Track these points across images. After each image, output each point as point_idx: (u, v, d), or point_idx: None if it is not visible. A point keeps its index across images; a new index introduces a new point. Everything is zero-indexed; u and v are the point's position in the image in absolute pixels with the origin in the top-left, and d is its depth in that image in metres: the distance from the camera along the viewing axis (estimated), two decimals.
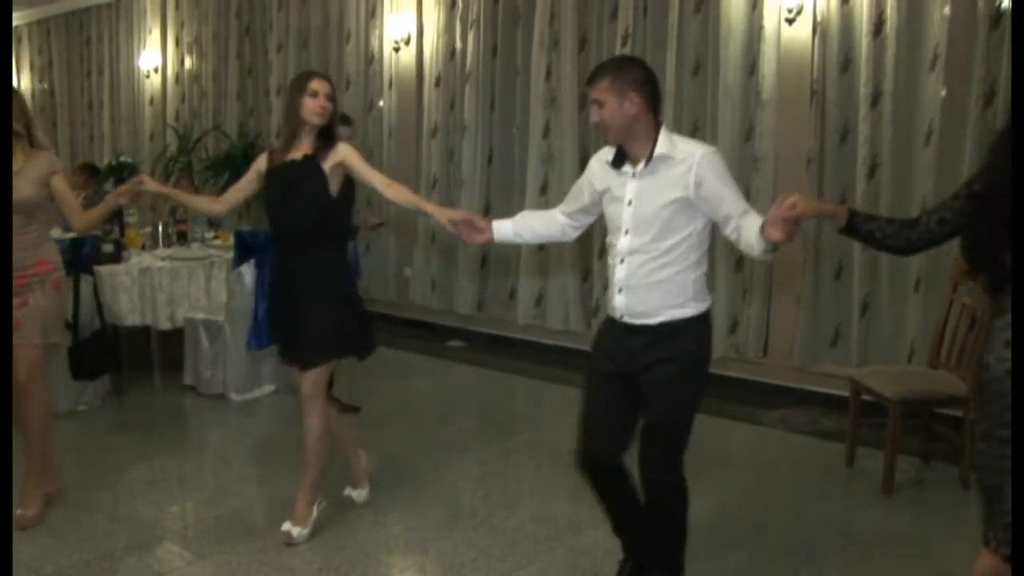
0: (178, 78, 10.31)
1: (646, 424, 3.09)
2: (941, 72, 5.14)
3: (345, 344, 3.84)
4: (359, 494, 4.24)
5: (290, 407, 5.92)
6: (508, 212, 3.56)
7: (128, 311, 5.75)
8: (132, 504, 4.26)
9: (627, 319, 3.05)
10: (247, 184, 3.90)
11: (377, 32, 8.03)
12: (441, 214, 3.52)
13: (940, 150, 5.17)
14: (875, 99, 5.31)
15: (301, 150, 3.71)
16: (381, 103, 8.08)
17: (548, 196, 6.78)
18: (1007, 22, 4.89)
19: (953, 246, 5.04)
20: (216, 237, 6.94)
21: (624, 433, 3.15)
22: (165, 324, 5.96)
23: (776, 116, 5.71)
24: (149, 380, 6.28)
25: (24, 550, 3.72)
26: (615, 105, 2.93)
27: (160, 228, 6.58)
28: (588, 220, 3.30)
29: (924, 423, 4.68)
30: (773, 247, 2.71)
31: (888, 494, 4.34)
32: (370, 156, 8.11)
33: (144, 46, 10.58)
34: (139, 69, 10.70)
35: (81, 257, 5.36)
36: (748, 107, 5.86)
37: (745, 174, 5.85)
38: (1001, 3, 4.93)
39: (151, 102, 10.65)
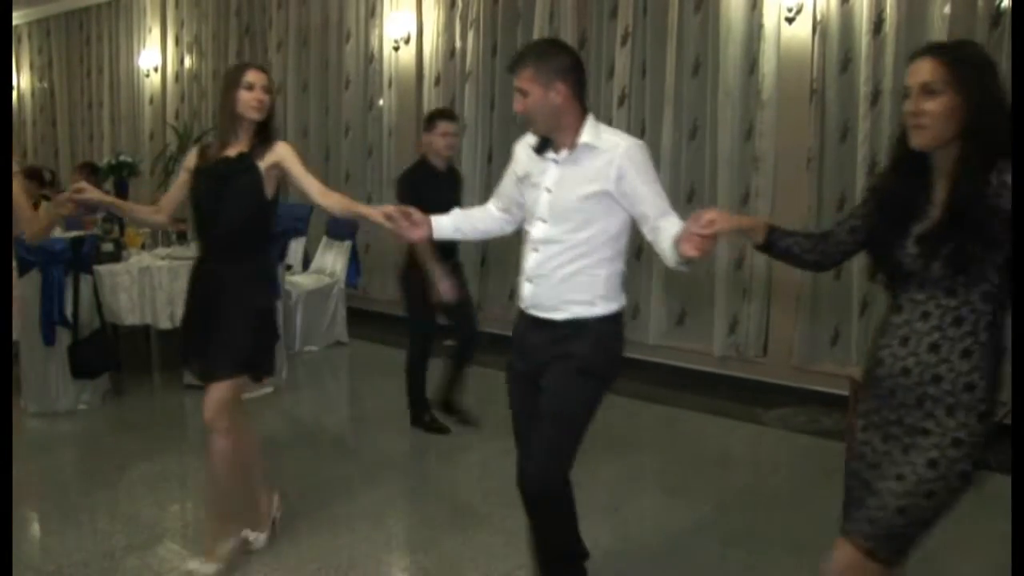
0: (178, 77, 10.32)
1: (539, 420, 2.90)
2: None
3: (257, 360, 3.54)
4: (258, 539, 3.71)
5: (290, 407, 5.93)
6: None
7: (128, 310, 5.75)
8: (132, 503, 4.26)
9: (533, 311, 2.93)
10: (182, 185, 3.58)
11: (377, 31, 8.04)
12: (375, 212, 3.27)
13: None
14: (875, 98, 5.32)
15: (237, 147, 3.44)
16: (381, 102, 8.09)
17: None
18: (1007, 21, 4.89)
19: None
20: None
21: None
22: (165, 323, 5.95)
23: (776, 115, 5.71)
24: (149, 379, 6.29)
25: (24, 549, 3.73)
26: (539, 95, 2.79)
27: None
28: (522, 212, 3.06)
29: None
30: (686, 261, 2.56)
31: None
32: (370, 155, 8.13)
33: (144, 45, 10.60)
34: (139, 68, 10.72)
35: (81, 256, 5.37)
36: (748, 106, 5.86)
37: (745, 173, 5.86)
38: (1001, 2, 4.93)
39: (151, 101, 10.66)
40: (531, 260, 2.91)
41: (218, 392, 3.40)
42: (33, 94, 12.81)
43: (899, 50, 5.26)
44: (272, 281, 3.72)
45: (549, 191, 2.85)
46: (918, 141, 2.18)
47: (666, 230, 2.69)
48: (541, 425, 2.88)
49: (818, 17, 5.49)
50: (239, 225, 3.43)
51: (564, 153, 2.85)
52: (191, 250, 6.38)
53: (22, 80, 12.89)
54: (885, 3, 5.27)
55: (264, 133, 3.46)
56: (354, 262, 7.41)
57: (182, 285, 5.94)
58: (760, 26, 5.73)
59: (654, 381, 6.15)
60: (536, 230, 2.90)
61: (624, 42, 6.36)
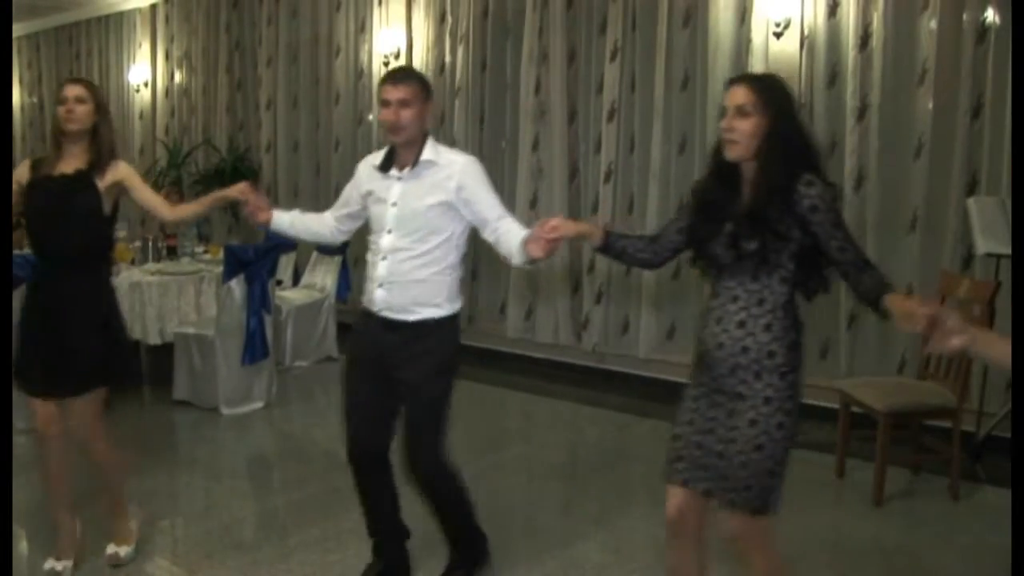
0: (168, 92, 10.32)
1: (408, 419, 3.25)
2: (930, 86, 5.19)
3: (112, 370, 3.57)
4: (125, 551, 3.72)
5: (280, 422, 5.91)
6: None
7: None
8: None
9: (385, 313, 3.20)
10: (16, 199, 3.51)
11: (367, 47, 8.06)
12: (230, 190, 3.56)
13: (930, 163, 5.21)
14: (862, 112, 5.35)
15: (73, 163, 3.47)
16: (371, 117, 8.10)
17: (537, 209, 6.79)
18: (992, 37, 4.94)
19: (947, 260, 5.08)
20: (206, 252, 6.94)
21: (388, 424, 3.31)
22: (155, 339, 5.94)
23: None
24: (139, 395, 6.27)
25: (13, 566, 3.70)
26: (419, 109, 3.14)
27: (150, 242, 6.57)
28: (355, 225, 3.48)
29: (913, 434, 4.69)
30: (531, 261, 3.00)
31: (878, 505, 4.35)
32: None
33: (134, 60, 10.60)
34: (129, 83, 10.71)
35: None
36: None
37: None
38: (986, 19, 4.98)
39: (141, 116, 10.66)
40: (381, 268, 3.20)
41: (81, 407, 3.48)
42: (23, 108, 12.78)
43: (886, 65, 5.30)
44: (112, 291, 3.66)
45: (394, 205, 3.17)
46: (730, 154, 2.56)
47: (509, 231, 3.10)
48: (414, 423, 3.25)
49: (805, 32, 5.53)
50: (79, 241, 3.46)
51: (407, 170, 3.18)
52: (182, 265, 6.39)
53: (12, 94, 12.87)
54: (872, 18, 5.31)
55: (97, 148, 3.52)
56: (345, 276, 7.41)
57: (172, 300, 5.99)
58: (748, 40, 5.77)
59: (644, 395, 6.16)
60: (384, 240, 3.19)
61: (613, 57, 6.39)
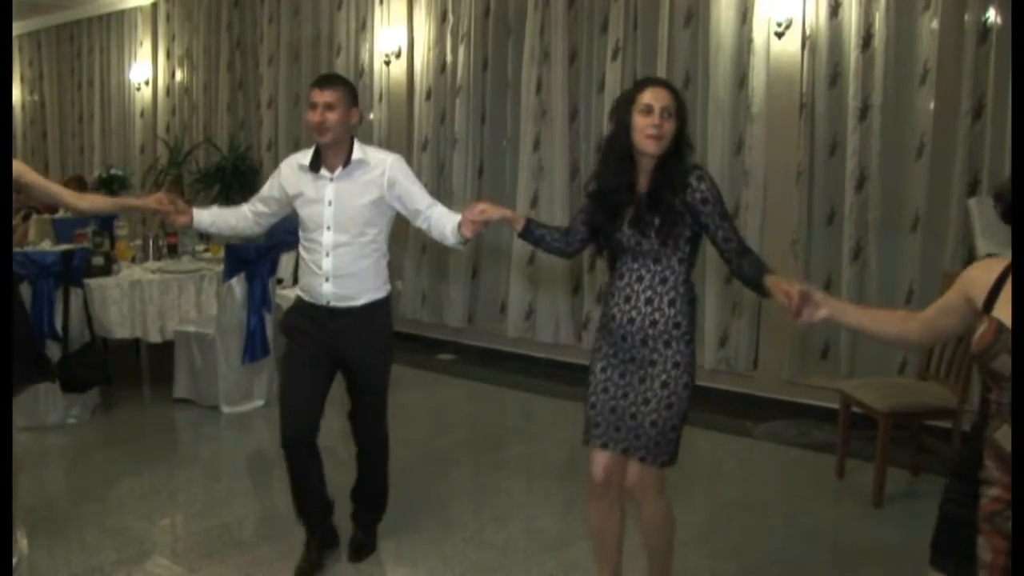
0: (169, 90, 10.32)
1: (360, 393, 3.62)
2: (932, 86, 5.18)
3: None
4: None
5: (279, 420, 5.90)
6: (498, 226, 3.61)
7: (118, 324, 5.73)
8: (121, 518, 4.24)
9: (333, 304, 3.46)
10: None
11: (368, 45, 8.06)
12: (144, 201, 3.79)
13: (931, 163, 5.20)
14: (864, 112, 5.35)
15: None
16: (372, 116, 8.09)
17: (538, 208, 6.80)
18: (994, 37, 4.94)
19: (948, 261, 5.08)
20: (207, 250, 6.93)
21: (321, 409, 3.57)
22: (155, 337, 5.93)
23: (766, 129, 5.74)
24: (139, 393, 6.28)
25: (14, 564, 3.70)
26: (344, 112, 3.37)
27: (150, 241, 6.57)
28: (272, 220, 3.73)
29: (914, 435, 4.69)
30: (464, 241, 3.34)
31: (878, 506, 4.35)
32: None
33: (135, 58, 10.60)
34: (130, 81, 10.71)
35: (71, 269, 5.35)
36: (738, 120, 5.89)
37: (735, 187, 5.87)
38: (987, 19, 4.97)
39: (142, 114, 10.65)
40: (327, 263, 3.43)
41: None
42: (24, 107, 12.79)
43: (888, 65, 5.29)
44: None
45: (331, 204, 3.41)
46: (653, 149, 2.85)
47: (442, 216, 3.41)
48: (369, 396, 3.61)
49: (807, 32, 5.53)
50: None
51: (339, 171, 3.41)
52: (182, 263, 6.39)
53: (13, 92, 12.87)
54: (874, 18, 5.30)
55: None
56: None
57: (172, 298, 5.99)
58: (750, 41, 5.76)
59: None
60: (325, 238, 3.43)
61: (615, 56, 6.38)
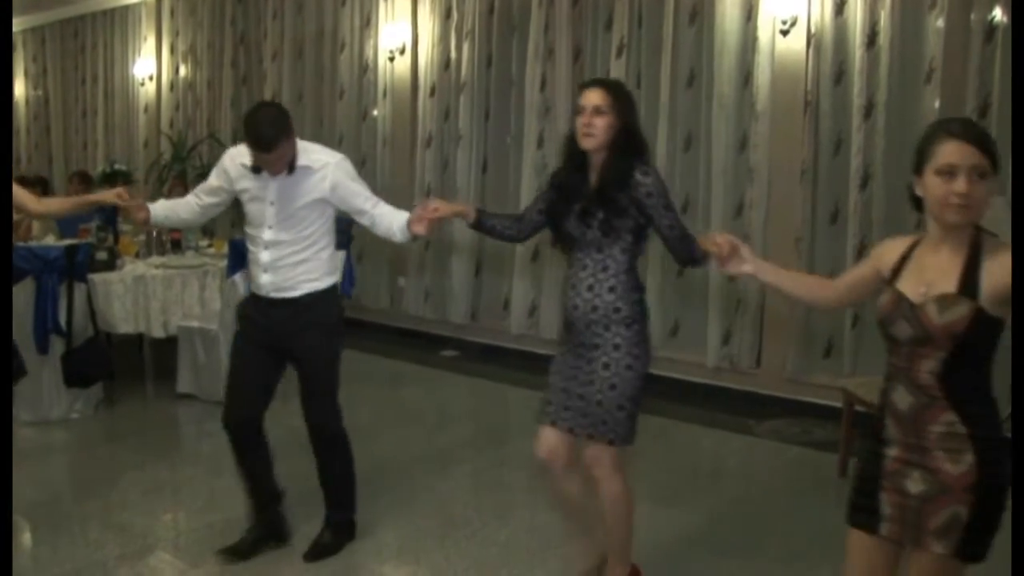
0: (173, 86, 10.32)
1: (306, 382, 3.68)
2: (937, 85, 5.17)
3: None
4: None
5: (283, 417, 5.90)
6: None
7: (121, 319, 5.74)
8: (124, 513, 4.25)
9: (272, 294, 3.56)
10: None
11: (372, 41, 8.05)
12: (106, 194, 3.77)
13: None
14: (868, 111, 5.34)
15: None
16: (375, 112, 8.09)
17: None
18: (1000, 36, 4.92)
19: None
20: (210, 245, 6.94)
21: (266, 394, 3.71)
22: (159, 332, 5.94)
23: (770, 127, 5.73)
24: (142, 388, 6.28)
25: (17, 559, 3.71)
26: (289, 154, 3.41)
27: (154, 236, 6.57)
28: (218, 211, 3.86)
29: None
30: (414, 238, 3.47)
31: None
32: (364, 165, 8.13)
33: (139, 54, 10.60)
34: (134, 77, 10.71)
35: (75, 264, 5.36)
36: (742, 118, 5.88)
37: (739, 185, 5.87)
38: (994, 17, 4.96)
39: (145, 110, 10.65)
40: (265, 256, 3.53)
41: None
42: (27, 102, 12.79)
43: (893, 63, 5.28)
44: None
45: (273, 204, 3.49)
46: (587, 145, 3.04)
47: (387, 215, 3.54)
48: (315, 386, 3.67)
49: (812, 30, 5.52)
50: None
51: (284, 174, 3.46)
52: (186, 259, 6.40)
53: (16, 88, 12.87)
54: (879, 16, 5.29)
55: None
56: (349, 271, 7.39)
57: (176, 294, 6.00)
58: (755, 38, 5.76)
59: (648, 392, 6.14)
60: (265, 234, 3.52)
61: (619, 54, 6.38)
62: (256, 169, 3.48)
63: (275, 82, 8.92)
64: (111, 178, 8.14)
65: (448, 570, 3.70)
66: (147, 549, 3.84)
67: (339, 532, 3.84)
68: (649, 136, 6.26)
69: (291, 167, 3.45)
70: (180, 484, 4.74)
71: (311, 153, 3.51)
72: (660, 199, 3.01)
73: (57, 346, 5.31)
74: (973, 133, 2.24)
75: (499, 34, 7.22)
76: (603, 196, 3.03)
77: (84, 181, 8.34)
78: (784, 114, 5.68)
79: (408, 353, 7.41)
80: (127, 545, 3.87)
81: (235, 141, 9.07)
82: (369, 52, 8.09)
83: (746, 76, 5.85)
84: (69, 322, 5.31)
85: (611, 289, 3.06)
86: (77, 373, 5.27)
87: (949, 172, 2.20)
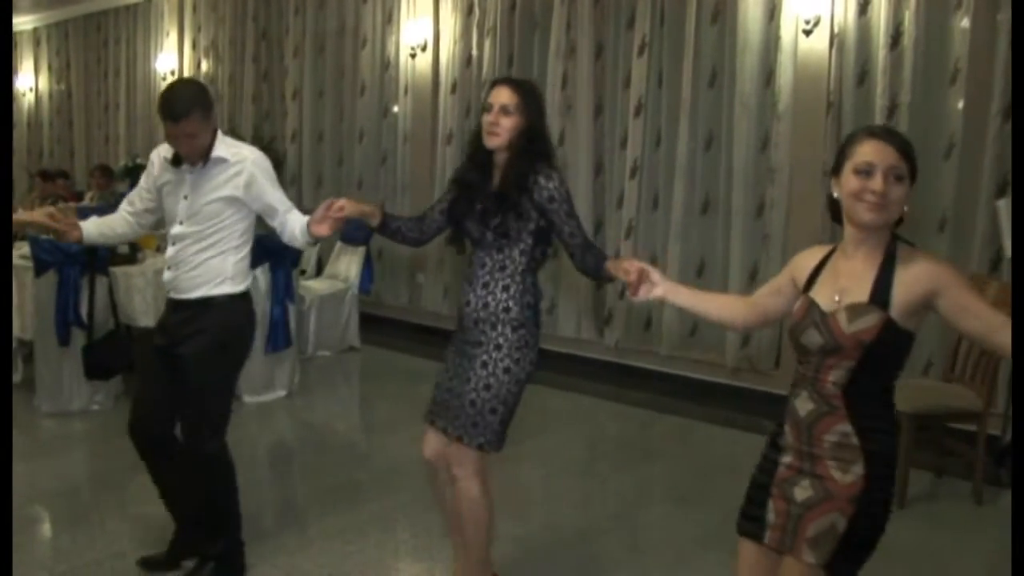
0: None
1: (187, 396, 3.35)
2: (962, 86, 5.13)
3: None
4: None
5: (303, 411, 5.93)
6: None
7: (142, 312, 5.75)
8: (143, 504, 4.25)
9: (172, 294, 3.40)
10: None
11: (393, 38, 8.06)
12: (36, 215, 3.67)
13: (960, 164, 5.16)
14: (891, 111, 5.30)
15: None
16: (396, 109, 8.10)
17: None
18: None
19: (976, 263, 5.03)
20: None
21: (169, 409, 3.39)
22: None
23: (792, 127, 5.70)
24: None
25: (37, 549, 3.74)
26: (206, 136, 3.25)
27: None
28: (153, 218, 3.56)
29: (937, 437, 4.66)
30: (315, 240, 3.29)
31: (900, 508, 4.31)
32: (384, 162, 8.15)
33: (161, 49, 10.66)
34: (156, 71, 10.77)
35: (97, 258, 5.39)
36: (764, 118, 5.86)
37: (760, 184, 5.85)
38: None
39: None
40: (170, 251, 3.38)
41: None
42: (50, 96, 12.89)
43: (917, 64, 5.24)
44: None
45: (186, 198, 3.33)
46: (491, 143, 2.99)
47: (294, 220, 3.33)
48: (193, 401, 3.35)
49: (835, 30, 5.49)
50: None
51: (199, 165, 3.30)
52: None
53: (40, 82, 12.98)
54: (903, 16, 5.26)
55: None
56: (368, 268, 7.42)
57: None
58: (777, 38, 5.73)
59: (666, 392, 6.14)
60: (175, 229, 3.36)
61: (641, 52, 6.36)
62: (176, 161, 3.32)
63: (296, 78, 8.95)
64: (132, 172, 8.18)
65: None
66: (165, 540, 3.84)
67: (201, 567, 3.52)
68: (670, 135, 6.32)
69: (206, 158, 3.28)
70: None
71: (231, 146, 3.35)
72: (563, 205, 2.97)
73: (78, 338, 5.34)
74: (895, 136, 2.24)
75: (521, 31, 7.21)
76: (503, 197, 2.98)
77: (105, 175, 8.40)
78: (806, 114, 5.65)
79: (426, 350, 7.39)
80: (146, 536, 3.88)
81: (256, 136, 9.19)
82: (391, 48, 8.11)
83: (768, 76, 5.82)
84: (90, 315, 5.33)
85: (505, 288, 3.02)
86: (98, 365, 5.29)
87: (867, 171, 2.19)
